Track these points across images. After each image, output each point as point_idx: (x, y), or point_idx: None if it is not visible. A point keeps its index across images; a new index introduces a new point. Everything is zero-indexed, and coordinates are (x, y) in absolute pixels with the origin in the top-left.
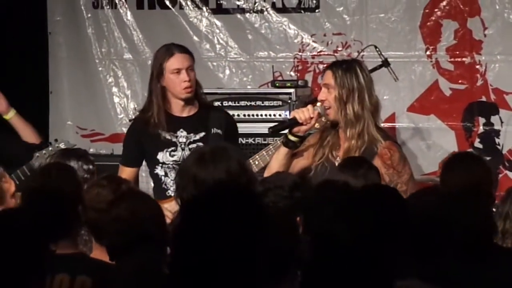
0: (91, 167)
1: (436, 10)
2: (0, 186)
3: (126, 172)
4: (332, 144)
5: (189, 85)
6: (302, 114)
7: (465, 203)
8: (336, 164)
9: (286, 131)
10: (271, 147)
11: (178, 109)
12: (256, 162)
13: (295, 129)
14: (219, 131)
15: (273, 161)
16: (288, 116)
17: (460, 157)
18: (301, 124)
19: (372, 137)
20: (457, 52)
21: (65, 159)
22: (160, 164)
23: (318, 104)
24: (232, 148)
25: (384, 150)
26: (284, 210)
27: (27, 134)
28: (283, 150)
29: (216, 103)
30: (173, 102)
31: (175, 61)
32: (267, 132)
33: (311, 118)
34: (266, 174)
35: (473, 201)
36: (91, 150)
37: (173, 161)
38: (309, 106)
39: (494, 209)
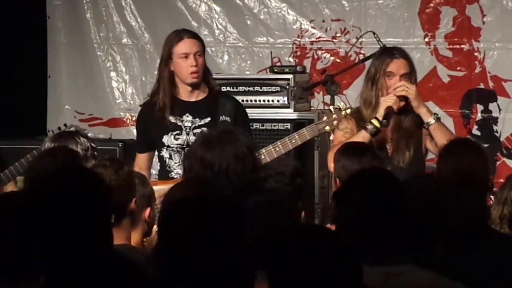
0: (93, 144)
1: None
2: None
3: (141, 158)
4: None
5: (196, 70)
6: (392, 101)
7: (459, 189)
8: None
9: (376, 122)
10: (279, 143)
11: (186, 94)
12: (262, 157)
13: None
14: (227, 118)
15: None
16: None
17: (455, 143)
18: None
19: None
20: (456, 39)
21: (65, 139)
22: (165, 147)
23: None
24: (239, 132)
25: None
26: (284, 196)
27: None
28: (367, 137)
29: None
30: (180, 87)
31: (183, 46)
32: (265, 118)
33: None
34: None
35: (466, 187)
36: (90, 135)
37: (177, 144)
38: (385, 98)
39: (492, 196)
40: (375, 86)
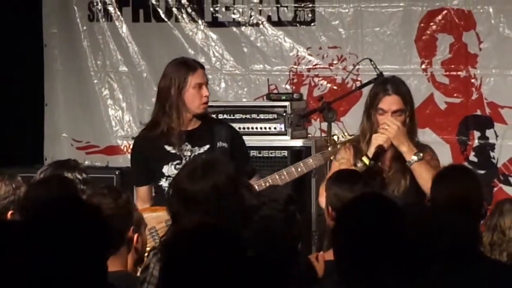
0: (85, 176)
1: (431, 24)
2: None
3: (143, 191)
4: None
5: (207, 100)
6: (383, 139)
7: (455, 214)
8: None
9: (366, 160)
10: (284, 171)
11: (185, 123)
12: (267, 184)
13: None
14: (224, 144)
15: None
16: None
17: (449, 170)
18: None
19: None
20: (452, 66)
21: (60, 172)
22: (165, 177)
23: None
24: (223, 162)
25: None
26: (278, 224)
27: None
28: None
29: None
30: (181, 117)
31: (199, 76)
32: (262, 145)
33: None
34: None
35: (461, 212)
36: (86, 163)
37: None
38: (376, 135)
39: (487, 222)
40: (370, 120)
